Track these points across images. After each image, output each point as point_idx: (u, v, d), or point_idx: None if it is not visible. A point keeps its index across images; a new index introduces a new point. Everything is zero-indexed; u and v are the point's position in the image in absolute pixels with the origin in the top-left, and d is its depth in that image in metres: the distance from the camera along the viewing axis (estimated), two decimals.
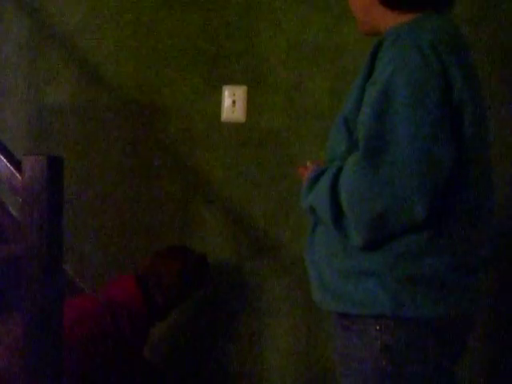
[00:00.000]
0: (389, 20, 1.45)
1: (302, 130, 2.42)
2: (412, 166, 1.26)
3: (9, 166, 1.56)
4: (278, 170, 2.46)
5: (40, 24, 2.86)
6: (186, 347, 2.65)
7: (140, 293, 2.25)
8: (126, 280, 2.29)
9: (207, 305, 2.60)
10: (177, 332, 2.67)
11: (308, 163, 1.58)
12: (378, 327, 1.36)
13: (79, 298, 2.41)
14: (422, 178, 1.26)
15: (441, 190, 1.30)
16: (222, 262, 2.57)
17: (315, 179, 1.44)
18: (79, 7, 2.78)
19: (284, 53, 2.45)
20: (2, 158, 1.58)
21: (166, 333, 2.67)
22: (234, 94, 2.52)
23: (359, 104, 1.36)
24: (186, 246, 2.42)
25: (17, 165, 1.55)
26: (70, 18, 2.79)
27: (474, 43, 2.06)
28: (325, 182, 1.38)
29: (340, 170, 1.36)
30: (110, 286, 2.33)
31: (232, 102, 2.52)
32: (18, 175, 1.53)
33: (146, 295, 2.26)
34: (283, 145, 2.45)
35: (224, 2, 2.53)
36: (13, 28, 2.91)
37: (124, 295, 2.25)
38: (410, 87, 1.27)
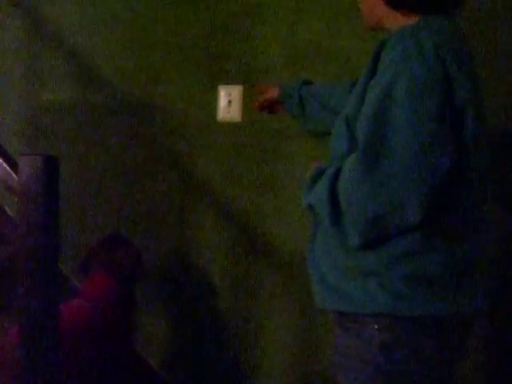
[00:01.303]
0: (393, 20, 1.45)
1: (297, 129, 2.42)
2: (408, 170, 1.27)
3: (5, 165, 1.56)
4: (273, 170, 2.46)
5: (36, 23, 2.86)
6: (181, 348, 2.65)
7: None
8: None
9: (202, 304, 2.60)
10: (171, 332, 2.67)
11: (312, 162, 1.58)
12: (376, 326, 1.37)
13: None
14: (417, 183, 1.27)
15: (438, 191, 1.30)
16: (218, 260, 2.57)
17: (315, 179, 1.44)
18: (76, 6, 2.78)
19: (280, 53, 2.45)
20: None
21: (160, 331, 2.68)
22: (230, 94, 2.52)
23: (360, 105, 1.37)
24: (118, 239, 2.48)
25: (13, 165, 1.55)
26: (66, 17, 2.80)
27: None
28: (324, 182, 1.38)
29: (339, 170, 1.36)
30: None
31: (228, 102, 2.53)
32: (14, 175, 1.53)
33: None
34: (279, 144, 2.46)
35: (221, 2, 2.53)
36: (9, 28, 2.91)
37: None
38: (410, 91, 1.27)
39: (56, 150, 2.78)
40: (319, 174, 1.44)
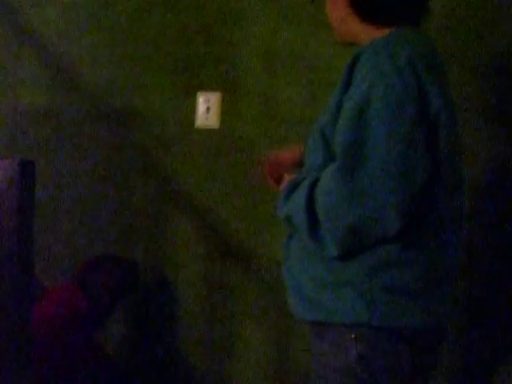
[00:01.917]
0: (365, 33, 1.46)
1: (275, 137, 2.43)
2: (386, 181, 1.27)
3: None
4: (252, 177, 2.46)
5: (16, 28, 2.84)
6: (155, 353, 2.63)
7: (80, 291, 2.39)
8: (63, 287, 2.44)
9: (178, 308, 2.59)
10: (144, 336, 2.66)
11: (285, 174, 1.58)
12: (353, 336, 1.37)
13: None
14: (395, 193, 1.28)
15: (415, 203, 1.31)
16: (194, 267, 2.57)
17: (292, 189, 1.44)
18: (56, 11, 2.77)
19: (259, 60, 2.46)
20: None
21: (131, 336, 2.67)
22: (209, 101, 2.52)
23: (336, 117, 1.37)
24: (116, 256, 2.53)
25: None
26: (47, 22, 2.78)
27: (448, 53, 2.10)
28: (301, 193, 1.38)
29: (316, 180, 1.36)
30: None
31: (206, 109, 2.53)
32: None
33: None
34: (257, 151, 2.46)
35: (200, 8, 2.54)
36: None
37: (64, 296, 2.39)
38: (385, 102, 1.28)
39: (32, 154, 2.75)
40: (295, 185, 1.44)
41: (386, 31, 1.41)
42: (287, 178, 1.51)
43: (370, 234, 1.32)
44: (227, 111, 2.50)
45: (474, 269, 2.07)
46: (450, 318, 1.46)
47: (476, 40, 2.11)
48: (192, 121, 2.55)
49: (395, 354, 1.38)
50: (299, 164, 1.57)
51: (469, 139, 2.02)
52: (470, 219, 1.60)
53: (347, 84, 1.38)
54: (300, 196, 1.38)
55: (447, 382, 2.14)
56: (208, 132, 2.54)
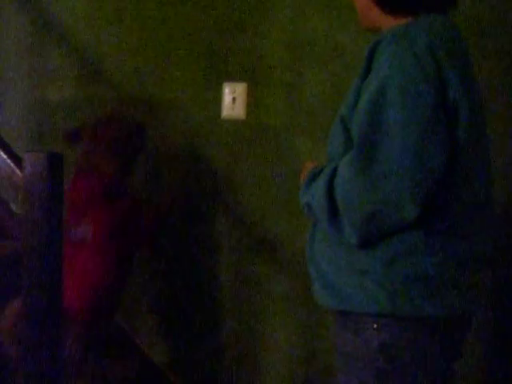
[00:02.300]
0: (385, 23, 1.46)
1: (301, 127, 2.42)
2: (402, 169, 1.27)
3: (9, 162, 1.58)
4: (277, 167, 2.46)
5: (41, 20, 2.86)
6: (185, 345, 2.65)
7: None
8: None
9: (207, 302, 2.61)
10: (175, 329, 2.68)
11: (306, 163, 1.59)
12: (375, 325, 1.37)
13: None
14: (411, 181, 1.27)
15: (432, 190, 1.30)
16: (221, 259, 2.58)
17: (312, 178, 1.45)
18: (80, 4, 2.78)
19: (285, 50, 2.45)
20: (3, 155, 1.60)
21: (163, 330, 2.69)
22: (235, 91, 2.52)
23: (355, 104, 1.37)
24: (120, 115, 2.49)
25: (17, 161, 1.56)
26: (72, 14, 2.80)
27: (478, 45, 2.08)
28: (321, 182, 1.39)
29: (335, 169, 1.37)
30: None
31: (232, 99, 2.53)
32: (18, 172, 1.54)
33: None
34: (283, 141, 2.46)
35: None
36: (13, 25, 2.91)
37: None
38: (402, 89, 1.28)
39: (60, 147, 2.77)
40: (316, 174, 1.45)
41: (406, 20, 1.41)
42: (309, 167, 1.52)
43: (387, 221, 1.32)
44: (253, 102, 2.50)
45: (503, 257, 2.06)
46: (474, 306, 1.45)
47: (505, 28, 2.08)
48: (218, 111, 2.55)
49: (417, 344, 1.37)
50: None
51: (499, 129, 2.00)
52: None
53: (366, 71, 1.39)
54: (320, 184, 1.39)
55: (473, 372, 2.13)
56: (234, 122, 2.54)
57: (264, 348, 2.52)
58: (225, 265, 2.57)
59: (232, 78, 2.53)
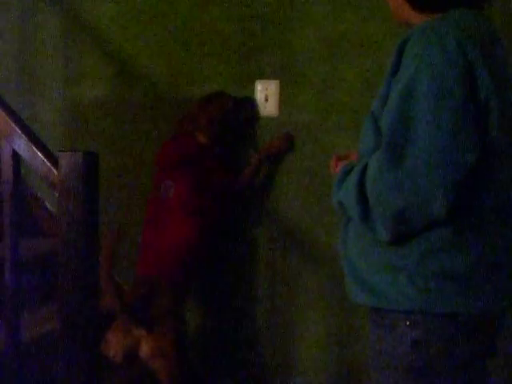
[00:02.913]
0: (417, 19, 1.46)
1: (334, 124, 2.42)
2: (432, 165, 1.26)
3: (46, 161, 1.59)
4: (310, 164, 2.46)
5: (74, 21, 2.89)
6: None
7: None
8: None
9: (244, 299, 2.62)
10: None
11: (335, 156, 1.60)
12: (407, 322, 1.37)
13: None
14: (441, 177, 1.26)
15: (463, 186, 1.29)
16: (256, 255, 2.58)
17: (344, 176, 1.45)
18: (113, 4, 2.81)
19: (316, 47, 2.44)
20: (40, 154, 1.61)
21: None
22: (267, 89, 2.52)
23: (385, 101, 1.37)
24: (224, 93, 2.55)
25: (54, 161, 1.58)
26: (103, 14, 2.83)
27: None
28: (352, 179, 1.39)
29: (366, 166, 1.36)
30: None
31: (265, 97, 2.53)
32: (54, 171, 1.56)
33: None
34: (316, 138, 2.45)
35: None
36: (48, 27, 2.95)
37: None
38: (432, 84, 1.27)
39: (94, 146, 2.81)
40: (347, 172, 1.45)
41: (435, 16, 1.39)
42: (341, 165, 1.52)
43: (417, 217, 1.31)
44: (286, 99, 2.50)
45: None
46: (508, 303, 1.43)
47: None
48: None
49: (450, 341, 1.36)
50: None
51: None
52: None
53: (396, 67, 1.37)
54: (351, 182, 1.39)
55: (507, 369, 2.10)
56: (267, 120, 2.54)
57: (298, 342, 2.52)
58: (259, 262, 2.58)
59: (264, 76, 2.54)
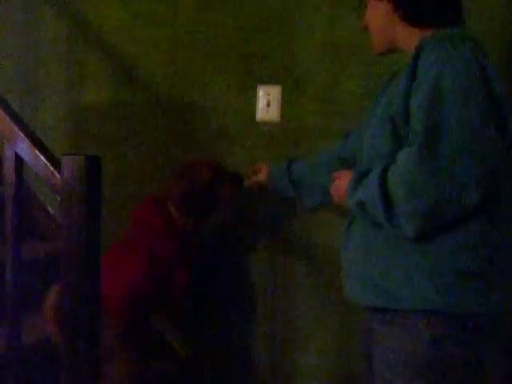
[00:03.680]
0: (410, 36, 1.55)
1: (336, 129, 2.42)
2: (463, 157, 1.31)
3: (48, 165, 1.59)
4: None
5: (77, 25, 2.90)
6: (217, 342, 2.66)
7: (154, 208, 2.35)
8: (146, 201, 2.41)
9: (239, 303, 2.61)
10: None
11: (336, 174, 1.65)
12: (426, 321, 1.38)
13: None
14: (473, 168, 1.31)
15: (493, 176, 1.34)
16: (254, 260, 2.58)
17: (360, 177, 1.46)
18: (115, 8, 2.81)
19: (318, 52, 2.45)
20: (42, 158, 1.61)
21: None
22: (269, 94, 2.53)
23: (406, 104, 1.42)
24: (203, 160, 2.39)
25: (56, 164, 1.58)
26: (106, 18, 2.83)
27: None
28: (374, 178, 1.41)
29: (387, 167, 1.40)
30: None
31: (267, 102, 2.53)
32: (57, 174, 1.55)
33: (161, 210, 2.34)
34: (317, 144, 2.45)
35: (259, 2, 2.54)
36: (51, 30, 2.96)
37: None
38: (456, 86, 1.34)
39: (96, 149, 2.82)
40: (363, 173, 1.48)
41: (430, 32, 1.50)
42: (350, 174, 1.53)
43: (452, 208, 1.34)
44: (287, 104, 2.50)
45: None
46: None
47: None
48: (252, 114, 2.56)
49: (468, 340, 1.38)
50: None
51: None
52: None
53: (414, 72, 1.44)
54: (373, 182, 1.41)
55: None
56: (269, 125, 2.54)
57: (297, 347, 2.52)
58: (257, 266, 2.57)
59: (266, 81, 2.54)
